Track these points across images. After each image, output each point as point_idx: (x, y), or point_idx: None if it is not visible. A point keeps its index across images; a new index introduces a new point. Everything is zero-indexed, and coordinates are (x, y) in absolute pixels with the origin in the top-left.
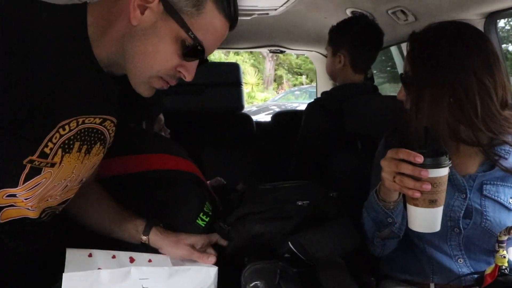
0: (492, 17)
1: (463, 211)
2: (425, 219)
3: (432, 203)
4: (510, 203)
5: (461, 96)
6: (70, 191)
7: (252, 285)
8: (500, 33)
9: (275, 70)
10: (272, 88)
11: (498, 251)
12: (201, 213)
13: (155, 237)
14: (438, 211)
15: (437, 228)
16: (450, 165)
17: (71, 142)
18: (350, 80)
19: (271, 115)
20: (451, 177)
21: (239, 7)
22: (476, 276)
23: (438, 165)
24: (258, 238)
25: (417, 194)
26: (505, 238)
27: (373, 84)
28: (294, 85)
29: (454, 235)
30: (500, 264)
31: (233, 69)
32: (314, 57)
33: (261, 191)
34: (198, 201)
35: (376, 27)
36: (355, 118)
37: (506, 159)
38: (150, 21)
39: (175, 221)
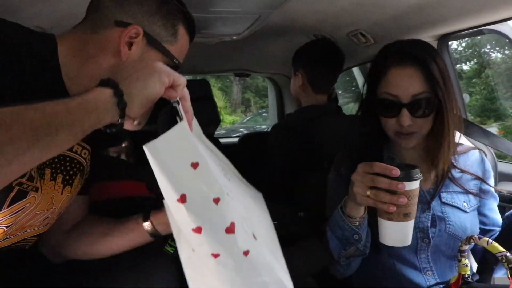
0: (443, 39)
1: (429, 221)
2: (399, 233)
3: (406, 216)
4: (464, 206)
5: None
6: (48, 225)
7: None
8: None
9: (243, 93)
10: (240, 111)
11: (460, 260)
12: (169, 239)
13: (157, 216)
14: (411, 224)
15: (409, 241)
16: (421, 178)
17: (42, 167)
18: (313, 100)
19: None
20: None
21: (204, 32)
22: (441, 286)
23: (412, 178)
24: None
25: (393, 208)
26: (466, 247)
27: (337, 105)
28: (262, 108)
29: (424, 247)
30: (463, 273)
31: (203, 84)
32: (280, 79)
33: None
34: None
35: (335, 48)
36: (321, 138)
37: (455, 166)
38: (137, 55)
39: (144, 248)
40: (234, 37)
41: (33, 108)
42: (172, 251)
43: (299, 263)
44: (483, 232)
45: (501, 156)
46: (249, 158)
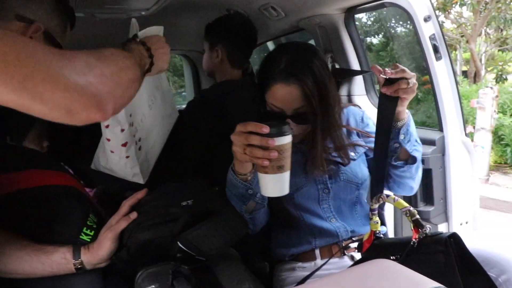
0: (349, 12)
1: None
2: (275, 184)
3: (279, 168)
4: (352, 155)
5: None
6: None
7: None
8: (364, 27)
9: None
10: None
11: (371, 219)
12: (85, 228)
13: (87, 257)
14: (286, 175)
15: (286, 191)
16: (292, 133)
17: None
18: (228, 75)
19: None
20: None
21: (111, 8)
22: (355, 239)
23: (282, 134)
24: (147, 246)
25: (266, 163)
26: (376, 206)
27: (252, 80)
28: (181, 87)
29: (325, 197)
30: (374, 230)
31: None
32: (195, 56)
33: (144, 200)
34: (79, 215)
35: (250, 24)
36: (236, 112)
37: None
38: None
39: (57, 240)
40: (143, 13)
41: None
42: (88, 240)
43: (218, 235)
44: None
45: None
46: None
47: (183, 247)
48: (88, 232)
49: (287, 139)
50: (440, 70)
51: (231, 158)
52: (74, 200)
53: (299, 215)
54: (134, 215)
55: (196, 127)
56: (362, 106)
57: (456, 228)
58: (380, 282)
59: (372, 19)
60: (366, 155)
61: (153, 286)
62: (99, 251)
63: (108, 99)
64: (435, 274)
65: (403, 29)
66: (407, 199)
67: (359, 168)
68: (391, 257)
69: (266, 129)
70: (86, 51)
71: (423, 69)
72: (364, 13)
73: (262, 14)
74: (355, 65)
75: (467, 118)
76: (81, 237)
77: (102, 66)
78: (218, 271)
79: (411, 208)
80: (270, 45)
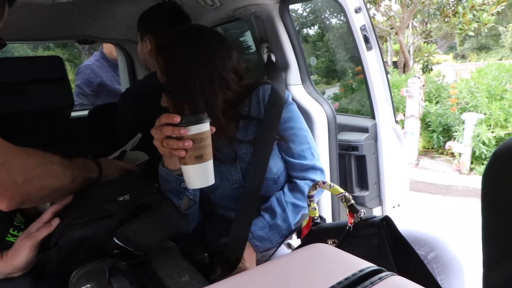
0: (284, 2)
1: (239, 172)
2: (197, 175)
3: (198, 158)
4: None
5: (211, 92)
6: None
7: None
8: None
9: None
10: None
11: (309, 205)
12: (11, 228)
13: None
14: (207, 165)
15: (211, 181)
16: (209, 120)
17: None
18: None
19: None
20: (222, 150)
21: None
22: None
23: (196, 122)
24: (81, 244)
25: (182, 153)
26: (313, 192)
27: None
28: None
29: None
30: (312, 216)
31: (55, 62)
32: (129, 46)
33: (79, 194)
34: (4, 215)
35: (180, 11)
36: None
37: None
38: None
39: None
40: None
41: None
42: (14, 241)
43: (155, 229)
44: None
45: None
46: (100, 130)
47: (119, 242)
48: (15, 233)
49: (202, 128)
50: (371, 60)
51: None
52: None
53: (221, 212)
54: (56, 221)
55: (129, 118)
56: (297, 96)
57: (389, 211)
58: (316, 265)
59: (307, 10)
60: (281, 146)
61: (89, 285)
62: (14, 260)
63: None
64: (369, 256)
65: (337, 21)
66: (343, 185)
67: (273, 162)
68: (329, 242)
69: (177, 119)
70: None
71: (357, 60)
72: (300, 4)
73: (198, 3)
74: (290, 55)
75: (398, 107)
76: (7, 238)
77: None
78: (157, 264)
79: (346, 194)
80: None
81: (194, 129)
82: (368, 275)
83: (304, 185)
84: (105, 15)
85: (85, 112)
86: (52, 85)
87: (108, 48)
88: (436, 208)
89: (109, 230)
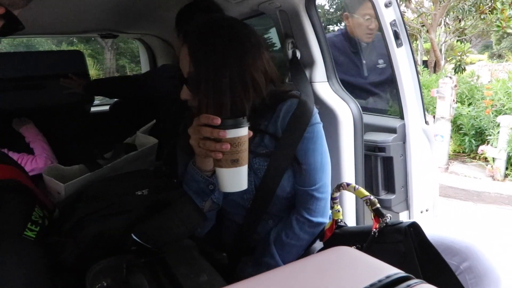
0: None
1: (252, 184)
2: (231, 179)
3: (234, 162)
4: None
5: (240, 93)
6: None
7: (98, 286)
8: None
9: (116, 60)
10: None
11: (333, 207)
12: (29, 223)
13: None
14: (242, 170)
15: (244, 186)
16: (248, 125)
17: None
18: None
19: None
20: None
21: None
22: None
23: (235, 126)
24: (99, 238)
25: (219, 155)
26: (337, 194)
27: None
28: None
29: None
30: (336, 218)
31: (76, 57)
32: (151, 41)
33: (97, 187)
34: (22, 210)
35: (217, 7)
36: None
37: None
38: None
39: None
40: None
41: None
42: (34, 236)
43: (174, 226)
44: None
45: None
46: (120, 126)
47: (137, 239)
48: (33, 227)
49: (241, 132)
50: (401, 57)
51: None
52: (16, 194)
53: (229, 218)
54: None
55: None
56: (322, 94)
57: (416, 216)
58: (340, 269)
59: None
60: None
61: (106, 281)
62: None
63: None
64: (395, 263)
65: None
66: (368, 187)
67: (287, 180)
68: (353, 247)
69: (217, 121)
70: None
71: (385, 57)
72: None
73: None
74: (316, 51)
75: (428, 108)
76: (25, 233)
77: None
78: (175, 263)
79: (372, 197)
80: None
81: (233, 133)
82: (395, 282)
83: (294, 223)
84: (127, 10)
85: (106, 107)
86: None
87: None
88: (467, 215)
89: (126, 225)
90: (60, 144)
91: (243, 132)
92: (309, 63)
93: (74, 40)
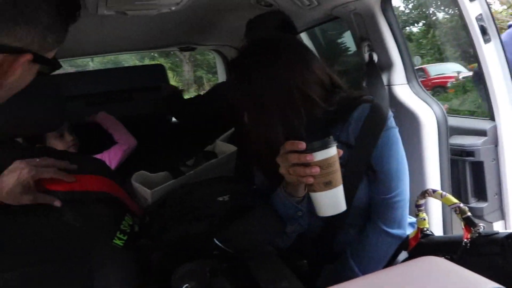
0: None
1: None
2: (326, 202)
3: (327, 185)
4: None
5: (289, 114)
6: None
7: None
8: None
9: (194, 71)
10: (193, 90)
11: (418, 215)
12: (118, 232)
13: None
14: (337, 191)
15: (342, 208)
16: (336, 144)
17: None
18: None
19: None
20: None
21: (139, 4)
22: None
23: (322, 147)
24: (183, 242)
25: (310, 180)
26: (422, 201)
27: None
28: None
29: None
30: (421, 227)
31: (158, 70)
32: (228, 52)
33: (179, 194)
34: (111, 221)
35: (287, 20)
36: None
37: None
38: (19, 74)
39: (87, 247)
40: (173, 8)
41: None
42: (121, 244)
43: (255, 232)
44: None
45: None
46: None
47: (219, 244)
48: (121, 236)
49: (330, 152)
50: (489, 54)
51: None
52: (106, 205)
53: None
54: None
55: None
56: (403, 97)
57: None
58: (430, 280)
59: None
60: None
61: (190, 283)
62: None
63: None
64: (491, 278)
65: (445, 14)
66: (456, 194)
67: (363, 190)
68: (442, 258)
69: (302, 146)
70: None
71: (470, 56)
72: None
73: (294, 4)
74: (394, 53)
75: None
76: (114, 241)
77: None
78: (256, 268)
79: (461, 205)
80: (304, 36)
81: (321, 155)
82: None
83: (371, 235)
84: (205, 23)
85: None
86: (156, 91)
87: None
88: None
89: (209, 230)
90: (145, 152)
91: (332, 152)
92: (387, 65)
93: (155, 55)
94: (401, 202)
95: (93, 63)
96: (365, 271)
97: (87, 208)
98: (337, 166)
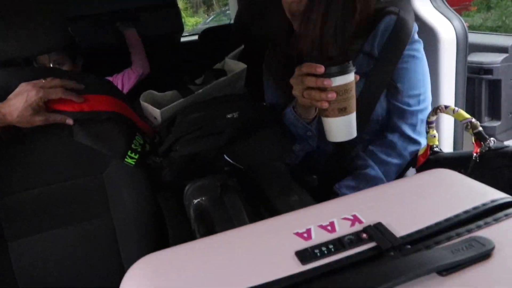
0: None
1: None
2: (339, 128)
3: (342, 111)
4: None
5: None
6: None
7: (195, 202)
8: None
9: None
10: (203, 11)
11: (428, 132)
12: (129, 151)
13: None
14: (350, 118)
15: (353, 134)
16: (354, 70)
17: None
18: None
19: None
20: None
21: None
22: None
23: (340, 73)
24: (193, 159)
25: (325, 104)
26: (433, 118)
27: None
28: (225, 5)
29: None
30: (431, 144)
31: None
32: None
33: (189, 111)
34: (123, 140)
35: None
36: None
37: None
38: None
39: (100, 164)
40: None
41: None
42: (133, 162)
43: (265, 147)
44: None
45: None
46: (210, 53)
47: (229, 159)
48: (132, 155)
49: (347, 79)
50: None
51: None
52: (117, 125)
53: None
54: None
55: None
56: (422, 11)
57: None
58: (439, 191)
59: None
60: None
61: (202, 198)
62: (10, 101)
63: None
64: (499, 190)
65: None
66: (470, 113)
67: (382, 102)
68: None
69: (320, 69)
70: None
71: None
72: None
73: None
74: None
75: None
76: (126, 160)
77: None
78: (266, 183)
79: (473, 120)
80: None
81: (339, 80)
82: (501, 207)
83: (396, 140)
84: None
85: (196, 37)
86: (163, 11)
87: None
88: None
89: (218, 146)
90: (153, 73)
91: (350, 78)
92: None
93: None
94: (423, 110)
95: None
96: (387, 177)
97: (97, 127)
98: (353, 92)
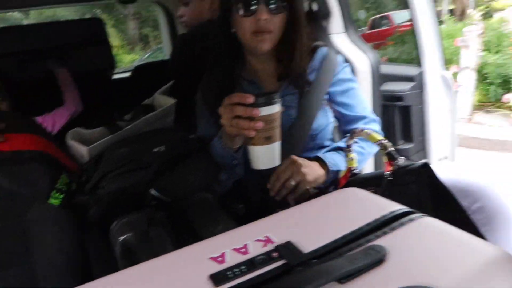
0: None
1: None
2: (264, 156)
3: (267, 140)
4: None
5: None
6: None
7: (121, 239)
8: None
9: (140, 28)
10: (140, 49)
11: (347, 155)
12: (53, 191)
13: None
14: (274, 146)
15: (277, 162)
16: (280, 101)
17: None
18: None
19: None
20: None
21: None
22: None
23: (269, 103)
24: (121, 194)
25: (253, 133)
26: (351, 142)
27: None
28: (161, 43)
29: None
30: (350, 166)
31: (95, 24)
32: (170, 3)
33: (116, 147)
34: (45, 180)
35: None
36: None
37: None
38: None
39: (21, 207)
40: None
41: None
42: (59, 203)
43: (191, 178)
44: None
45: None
46: (143, 90)
47: (157, 193)
48: (57, 195)
49: (274, 109)
50: (420, 2)
51: None
52: (41, 165)
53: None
54: None
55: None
56: (340, 45)
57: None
58: (345, 208)
59: None
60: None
61: (128, 234)
62: None
63: None
64: (408, 204)
65: None
66: (387, 137)
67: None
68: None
69: (250, 99)
70: None
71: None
72: None
73: None
74: (332, 2)
75: (451, 58)
76: (50, 200)
77: None
78: (192, 215)
79: (385, 141)
80: None
81: (266, 110)
82: (398, 217)
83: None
84: None
85: (128, 74)
86: (93, 48)
87: None
88: (489, 164)
89: (145, 181)
90: (85, 109)
91: (276, 108)
92: (326, 14)
93: (97, 11)
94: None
95: (28, 21)
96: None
97: (18, 168)
98: (278, 122)
